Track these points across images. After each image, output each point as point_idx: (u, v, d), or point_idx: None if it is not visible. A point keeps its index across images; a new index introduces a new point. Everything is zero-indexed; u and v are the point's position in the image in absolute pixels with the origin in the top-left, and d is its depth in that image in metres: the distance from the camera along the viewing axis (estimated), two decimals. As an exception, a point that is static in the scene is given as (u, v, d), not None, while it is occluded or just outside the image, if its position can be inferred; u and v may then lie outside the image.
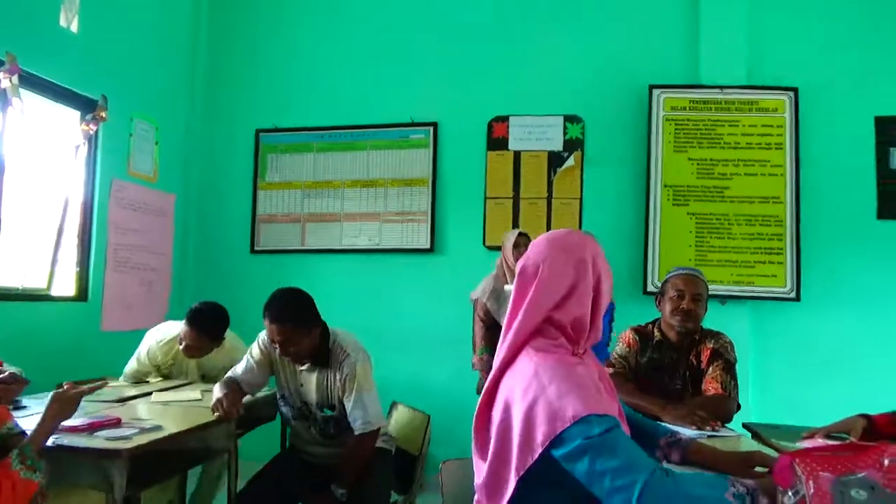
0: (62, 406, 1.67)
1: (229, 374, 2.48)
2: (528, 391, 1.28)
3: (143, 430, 1.79)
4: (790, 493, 1.17)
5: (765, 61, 4.08)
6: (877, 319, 3.84)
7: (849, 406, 3.62)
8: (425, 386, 4.07)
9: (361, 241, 4.39)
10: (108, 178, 3.85)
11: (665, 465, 1.46)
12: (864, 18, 4.03)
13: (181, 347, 2.84)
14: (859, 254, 3.88)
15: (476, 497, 1.43)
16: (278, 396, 2.52)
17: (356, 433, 2.30)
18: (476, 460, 1.45)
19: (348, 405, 2.30)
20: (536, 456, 1.24)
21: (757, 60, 4.08)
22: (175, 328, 3.00)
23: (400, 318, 4.26)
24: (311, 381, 2.39)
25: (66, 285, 3.66)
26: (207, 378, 3.11)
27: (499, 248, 4.19)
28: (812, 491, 1.15)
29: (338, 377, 2.33)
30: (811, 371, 3.82)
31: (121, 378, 3.01)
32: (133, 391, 2.55)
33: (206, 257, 4.60)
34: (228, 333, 2.99)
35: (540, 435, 1.24)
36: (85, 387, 1.74)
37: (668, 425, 1.71)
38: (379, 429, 2.35)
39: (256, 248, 4.54)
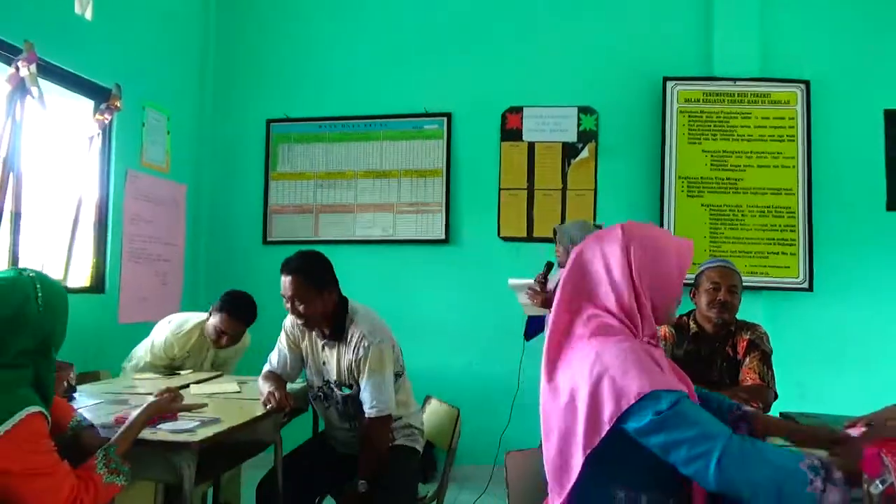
0: (155, 413, 1.66)
1: (267, 367, 2.48)
2: (592, 373, 1.30)
3: (204, 423, 1.79)
4: (877, 482, 1.21)
5: (777, 54, 4.12)
6: (887, 310, 3.92)
7: (860, 395, 3.73)
8: (441, 377, 4.08)
9: (376, 231, 4.39)
10: (123, 168, 3.81)
11: None
12: (874, 12, 4.08)
13: (218, 339, 2.83)
14: (870, 245, 3.96)
15: (549, 484, 1.45)
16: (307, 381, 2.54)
17: (366, 416, 2.29)
18: (545, 446, 1.46)
19: (361, 386, 2.30)
20: (604, 434, 1.27)
21: (769, 53, 4.12)
22: (189, 319, 2.97)
23: (415, 309, 4.26)
24: (332, 359, 2.38)
25: (82, 276, 3.63)
26: (216, 366, 3.10)
27: (513, 239, 4.26)
28: (901, 479, 1.19)
29: (352, 357, 2.32)
30: (823, 360, 3.89)
31: (128, 372, 2.96)
32: (168, 384, 2.53)
33: (218, 248, 4.57)
34: None
35: (606, 413, 1.27)
36: (186, 403, 1.73)
37: (732, 400, 1.73)
38: (390, 415, 2.32)
39: (269, 239, 4.51)
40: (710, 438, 1.20)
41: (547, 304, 3.04)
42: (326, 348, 2.39)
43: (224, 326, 2.81)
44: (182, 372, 2.88)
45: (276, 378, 2.40)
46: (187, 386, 2.52)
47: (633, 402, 1.24)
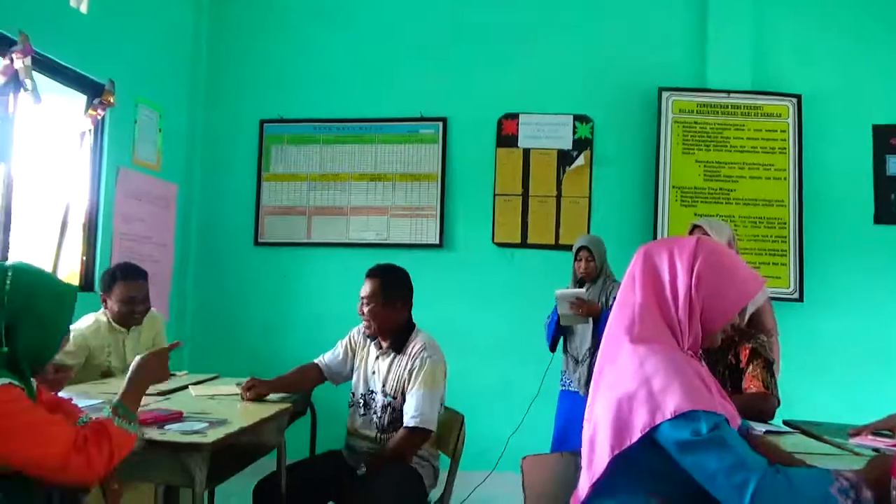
0: (150, 370, 1.64)
1: (315, 360, 2.60)
2: (634, 379, 1.31)
3: (212, 425, 1.75)
4: (907, 489, 1.22)
5: (769, 68, 4.19)
6: (873, 321, 3.99)
7: (846, 405, 3.78)
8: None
9: (369, 235, 4.36)
10: (115, 165, 3.74)
11: None
12: (864, 30, 4.17)
13: (131, 310, 2.76)
14: (857, 257, 4.03)
15: (581, 476, 1.44)
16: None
17: (404, 425, 2.28)
18: (584, 430, 1.46)
19: (408, 397, 2.30)
20: (633, 441, 1.27)
21: (762, 67, 4.18)
22: (88, 316, 2.83)
23: (408, 314, 4.23)
24: (382, 368, 2.42)
25: (71, 274, 3.55)
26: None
27: (508, 245, 4.26)
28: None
29: (406, 366, 2.34)
30: (811, 370, 3.93)
31: None
32: (167, 385, 2.47)
33: (208, 249, 4.50)
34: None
35: (639, 422, 1.27)
36: (165, 346, 1.73)
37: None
38: (429, 433, 2.29)
39: (260, 241, 4.46)
40: (745, 470, 1.19)
41: (591, 313, 3.13)
42: (380, 359, 2.44)
43: (127, 292, 2.76)
44: (178, 373, 2.82)
45: (282, 378, 2.47)
46: (186, 387, 2.47)
47: (668, 417, 1.24)
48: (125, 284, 2.77)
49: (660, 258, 1.43)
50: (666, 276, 1.41)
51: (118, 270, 2.83)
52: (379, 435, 2.39)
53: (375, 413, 2.41)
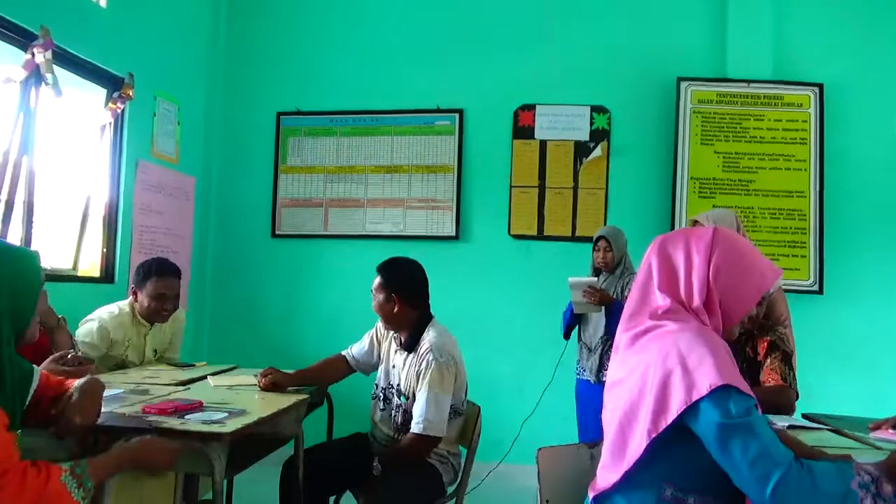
0: (154, 454, 1.52)
1: (343, 351, 2.63)
2: (667, 359, 1.28)
3: (232, 415, 1.77)
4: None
5: (791, 57, 4.13)
6: (894, 314, 3.93)
7: (867, 398, 3.74)
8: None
9: (385, 227, 4.37)
10: (134, 158, 3.78)
11: None
12: (887, 17, 4.09)
13: (160, 306, 2.71)
14: (879, 249, 3.97)
15: (601, 461, 1.44)
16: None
17: (411, 430, 2.27)
18: (605, 423, 1.45)
19: (416, 399, 2.29)
20: (670, 421, 1.25)
21: (783, 56, 4.13)
22: (114, 306, 2.78)
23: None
24: (400, 365, 2.43)
25: (91, 266, 3.60)
26: (161, 358, 2.95)
27: (524, 237, 4.25)
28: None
29: (415, 367, 2.33)
30: (832, 363, 3.90)
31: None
32: (186, 375, 2.51)
33: (226, 241, 4.54)
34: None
35: (675, 402, 1.24)
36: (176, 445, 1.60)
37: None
38: (436, 438, 2.26)
39: (277, 233, 4.49)
40: (771, 461, 1.17)
41: (603, 302, 3.13)
42: (398, 353, 2.46)
43: (160, 289, 2.72)
44: (197, 364, 2.86)
45: (307, 370, 2.51)
46: (204, 377, 2.49)
47: (704, 394, 1.21)
48: (159, 280, 2.74)
49: (676, 250, 1.41)
50: (682, 268, 1.39)
51: (154, 265, 2.79)
52: (396, 434, 2.42)
53: (393, 410, 2.43)
